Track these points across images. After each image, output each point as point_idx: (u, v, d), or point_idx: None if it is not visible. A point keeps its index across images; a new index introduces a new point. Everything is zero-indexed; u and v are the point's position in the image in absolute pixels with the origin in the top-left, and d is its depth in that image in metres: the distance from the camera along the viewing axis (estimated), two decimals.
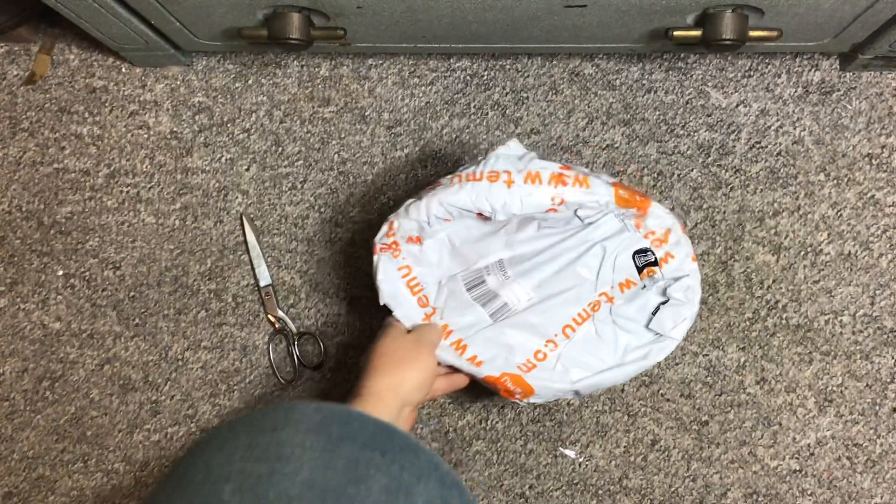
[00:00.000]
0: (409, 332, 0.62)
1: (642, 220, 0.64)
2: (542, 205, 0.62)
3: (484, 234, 0.67)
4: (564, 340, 0.64)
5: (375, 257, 0.64)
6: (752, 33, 0.62)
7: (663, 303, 0.64)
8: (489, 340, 0.63)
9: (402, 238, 0.64)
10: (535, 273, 0.65)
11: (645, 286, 0.65)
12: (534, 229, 0.66)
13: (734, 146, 0.76)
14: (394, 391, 0.57)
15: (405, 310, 0.64)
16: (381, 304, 0.63)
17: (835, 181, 0.75)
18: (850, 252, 0.74)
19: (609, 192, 0.62)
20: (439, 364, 0.63)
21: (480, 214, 0.63)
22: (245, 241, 0.78)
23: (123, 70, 0.82)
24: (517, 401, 0.63)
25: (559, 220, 0.65)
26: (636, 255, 0.65)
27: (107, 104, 0.81)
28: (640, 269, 0.65)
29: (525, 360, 0.63)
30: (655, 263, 0.64)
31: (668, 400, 0.74)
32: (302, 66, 0.80)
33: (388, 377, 0.57)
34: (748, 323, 0.74)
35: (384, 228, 0.65)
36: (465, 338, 0.63)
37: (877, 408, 0.72)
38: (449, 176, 0.63)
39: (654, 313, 0.64)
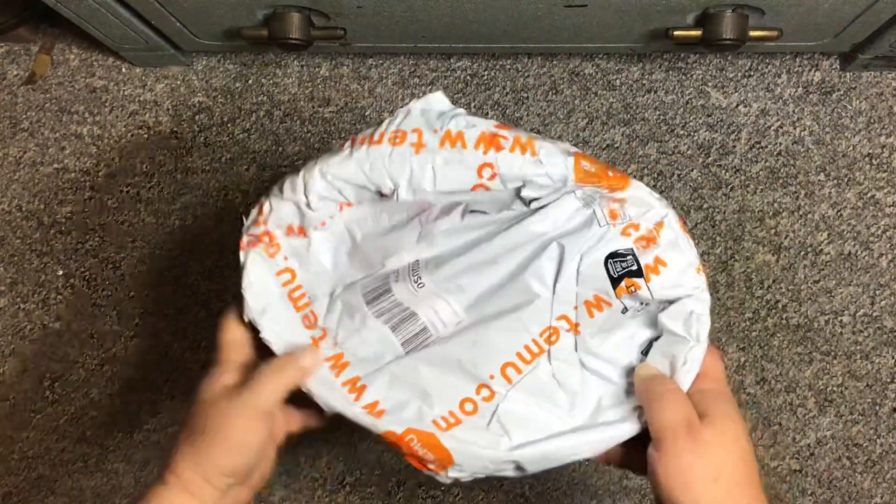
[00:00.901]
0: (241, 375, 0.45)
1: (619, 208, 0.45)
2: (465, 179, 0.44)
3: (394, 226, 0.48)
4: (505, 386, 0.44)
5: (242, 254, 0.47)
6: (753, 33, 0.62)
7: (655, 338, 0.44)
8: (397, 380, 0.45)
9: (280, 228, 0.47)
10: (466, 283, 0.46)
11: (626, 309, 0.45)
12: (458, 217, 0.47)
13: (734, 146, 0.76)
14: (202, 476, 0.43)
15: (281, 331, 0.45)
16: (246, 320, 0.46)
17: (835, 181, 0.75)
18: (850, 252, 0.74)
19: (567, 162, 0.44)
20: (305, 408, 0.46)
21: (383, 195, 0.46)
22: None
23: (123, 70, 0.82)
24: (432, 473, 0.43)
25: (493, 203, 0.46)
26: (610, 261, 0.45)
27: (107, 104, 0.81)
28: (615, 282, 0.44)
29: (446, 413, 0.43)
30: (640, 274, 0.44)
31: None
32: (302, 66, 0.80)
33: (195, 455, 0.43)
34: (748, 323, 0.74)
35: (252, 213, 0.47)
36: (364, 375, 0.45)
37: (877, 408, 0.72)
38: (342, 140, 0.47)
39: (644, 353, 0.44)
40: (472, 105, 0.78)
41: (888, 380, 0.72)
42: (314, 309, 0.47)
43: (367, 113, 0.79)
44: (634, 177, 0.75)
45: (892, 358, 0.73)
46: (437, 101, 0.46)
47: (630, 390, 0.43)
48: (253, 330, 0.46)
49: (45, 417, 0.78)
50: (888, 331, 0.73)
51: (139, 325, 0.78)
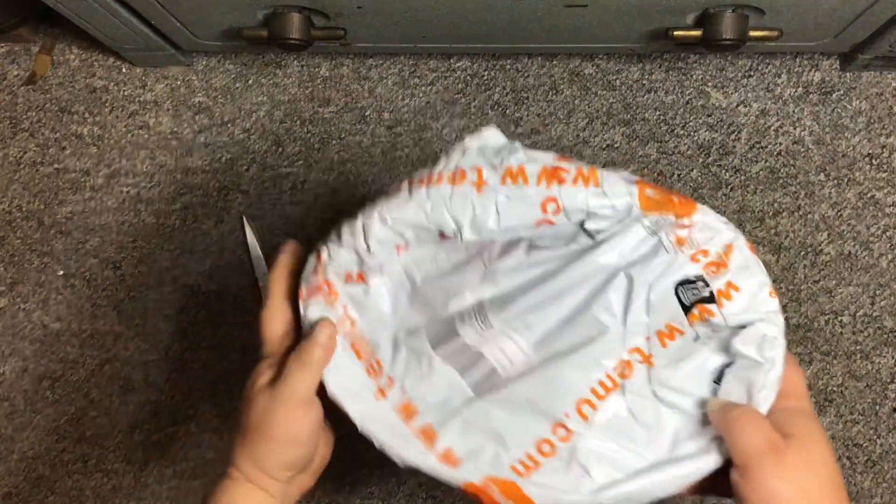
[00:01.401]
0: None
1: (686, 234, 0.43)
2: (529, 215, 0.43)
3: (455, 266, 0.47)
4: (582, 424, 0.42)
5: (302, 305, 0.46)
6: (753, 33, 0.62)
7: (727, 365, 0.42)
8: (470, 425, 0.44)
9: (338, 275, 0.46)
10: (532, 320, 0.45)
11: (698, 336, 0.43)
12: (523, 253, 0.46)
13: (734, 146, 0.76)
14: (262, 471, 0.44)
15: (347, 382, 0.45)
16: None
17: (835, 181, 0.75)
18: (850, 252, 0.74)
19: (630, 191, 0.43)
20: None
21: (444, 235, 0.45)
22: (245, 241, 0.78)
23: (123, 70, 0.82)
24: None
25: (559, 239, 0.46)
26: (681, 288, 0.44)
27: (107, 104, 0.81)
28: (687, 309, 0.43)
29: (523, 456, 0.42)
30: (712, 300, 0.43)
31: None
32: (302, 66, 0.80)
33: (250, 452, 0.44)
34: None
35: (310, 262, 0.46)
36: (435, 422, 0.44)
37: (877, 408, 0.72)
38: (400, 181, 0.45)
39: (716, 381, 0.42)
40: (473, 105, 0.78)
41: (888, 380, 0.72)
42: (378, 357, 0.46)
43: (367, 113, 0.79)
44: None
45: (892, 358, 0.73)
46: (492, 136, 0.45)
47: (705, 420, 0.42)
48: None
49: (45, 417, 0.78)
50: (888, 331, 0.73)
51: (139, 325, 0.78)
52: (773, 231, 0.74)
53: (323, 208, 0.78)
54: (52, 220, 0.80)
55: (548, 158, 0.43)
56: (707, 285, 0.43)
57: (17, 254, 0.80)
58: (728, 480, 0.40)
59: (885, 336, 0.73)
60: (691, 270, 0.43)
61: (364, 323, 0.46)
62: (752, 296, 0.42)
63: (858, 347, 0.73)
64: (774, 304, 0.43)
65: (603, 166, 0.78)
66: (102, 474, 0.77)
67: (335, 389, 0.44)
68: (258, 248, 0.77)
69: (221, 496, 0.44)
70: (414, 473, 0.43)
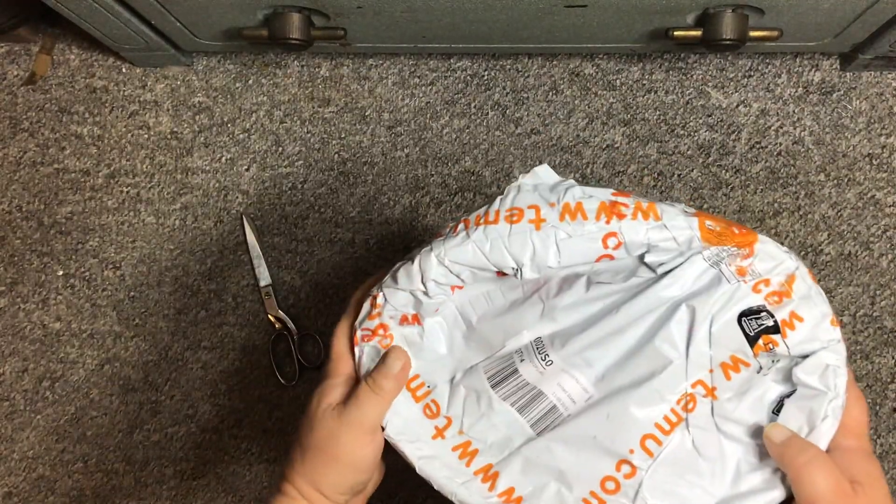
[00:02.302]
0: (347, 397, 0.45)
1: (747, 264, 0.43)
2: (590, 251, 0.43)
3: (511, 304, 0.47)
4: (647, 460, 0.41)
5: (357, 349, 0.46)
6: (753, 33, 0.62)
7: (788, 395, 0.42)
8: (531, 464, 0.43)
9: (393, 318, 0.46)
10: (593, 356, 0.44)
11: (761, 368, 0.42)
12: (582, 289, 0.46)
13: (734, 146, 0.76)
14: (319, 492, 0.44)
15: (404, 425, 0.45)
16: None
17: (835, 181, 0.75)
18: (850, 252, 0.74)
19: (691, 223, 0.43)
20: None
21: (502, 273, 0.45)
22: (245, 241, 0.78)
23: (123, 70, 0.82)
24: None
25: (618, 273, 0.45)
26: (744, 319, 0.43)
27: (107, 104, 0.81)
28: (752, 340, 0.42)
29: (587, 494, 0.42)
30: (776, 330, 0.42)
31: None
32: (302, 66, 0.80)
33: (309, 472, 0.44)
34: None
35: (366, 307, 0.47)
36: (496, 462, 0.44)
37: (877, 408, 0.72)
38: (454, 222, 0.46)
39: (776, 412, 0.42)
40: (473, 105, 0.78)
41: (888, 380, 0.72)
42: (435, 398, 0.46)
43: (367, 113, 0.79)
44: (634, 177, 0.75)
45: (892, 358, 0.73)
46: (545, 173, 0.45)
47: (765, 451, 0.41)
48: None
49: (45, 417, 0.78)
50: (888, 331, 0.73)
51: (139, 325, 0.78)
52: (773, 231, 0.74)
53: (323, 208, 0.78)
54: (52, 220, 0.80)
55: (605, 194, 0.43)
56: (771, 315, 0.42)
57: (17, 254, 0.80)
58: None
59: (885, 336, 0.73)
60: (753, 301, 0.42)
61: (419, 364, 0.46)
62: (815, 325, 0.42)
63: (858, 347, 0.73)
64: (836, 333, 0.42)
65: (603, 167, 0.78)
66: (102, 474, 0.77)
67: (392, 432, 0.44)
68: (258, 248, 0.77)
69: None
70: None
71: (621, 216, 0.42)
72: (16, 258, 0.80)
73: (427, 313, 0.46)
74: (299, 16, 0.64)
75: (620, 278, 0.45)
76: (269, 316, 0.76)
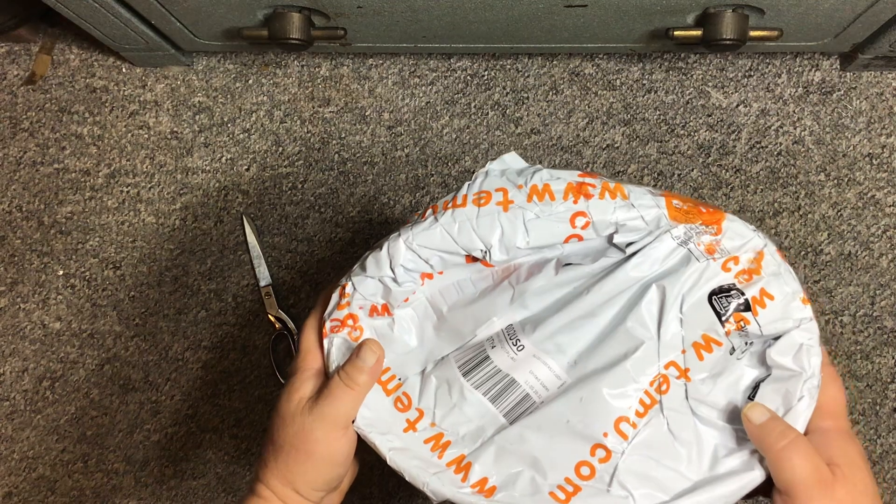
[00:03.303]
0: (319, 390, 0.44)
1: (716, 242, 0.43)
2: (558, 231, 0.43)
3: (482, 292, 0.46)
4: (621, 443, 0.41)
5: (326, 341, 0.45)
6: (753, 33, 0.62)
7: (763, 379, 0.42)
8: (504, 452, 0.42)
9: (363, 309, 0.46)
10: (564, 341, 0.43)
11: (734, 349, 0.42)
12: (552, 273, 0.45)
13: (734, 146, 0.76)
14: (294, 490, 0.43)
15: (374, 418, 0.44)
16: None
17: (835, 181, 0.75)
18: (850, 252, 0.74)
19: (658, 202, 0.43)
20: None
21: (472, 259, 0.45)
22: (245, 241, 0.78)
23: (124, 70, 0.82)
24: None
25: (587, 255, 0.45)
26: (714, 298, 0.42)
27: (107, 104, 0.81)
28: (723, 319, 0.42)
29: (561, 481, 0.41)
30: (747, 308, 0.42)
31: None
32: (302, 66, 0.80)
33: (283, 470, 0.43)
34: None
35: (335, 297, 0.46)
36: (468, 453, 0.43)
37: (877, 408, 0.72)
38: (422, 209, 0.44)
39: (751, 397, 0.41)
40: (473, 105, 0.78)
41: (888, 380, 0.72)
42: (406, 390, 0.45)
43: (367, 113, 0.79)
44: (634, 176, 0.76)
45: (892, 358, 0.73)
46: (513, 159, 0.46)
47: (742, 436, 0.41)
48: None
49: (45, 417, 0.78)
50: (888, 331, 0.73)
51: (139, 325, 0.78)
52: (773, 231, 0.74)
53: (323, 208, 0.78)
54: (52, 220, 0.80)
55: (572, 175, 0.44)
56: (742, 294, 0.42)
57: (17, 254, 0.80)
58: (765, 483, 0.40)
59: (886, 336, 0.73)
60: (724, 279, 0.42)
61: (390, 357, 0.46)
62: (785, 304, 0.41)
63: (858, 347, 0.73)
64: (808, 311, 0.42)
65: (603, 166, 0.78)
66: (102, 474, 0.77)
67: (362, 424, 0.44)
68: (258, 248, 0.77)
69: None
70: None
71: (588, 196, 0.43)
72: (16, 258, 0.80)
73: (396, 302, 0.46)
74: (299, 16, 0.64)
75: (590, 260, 0.44)
76: (269, 316, 0.76)
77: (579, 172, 0.44)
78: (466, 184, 0.44)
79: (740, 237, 0.43)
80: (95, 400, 0.78)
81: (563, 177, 0.44)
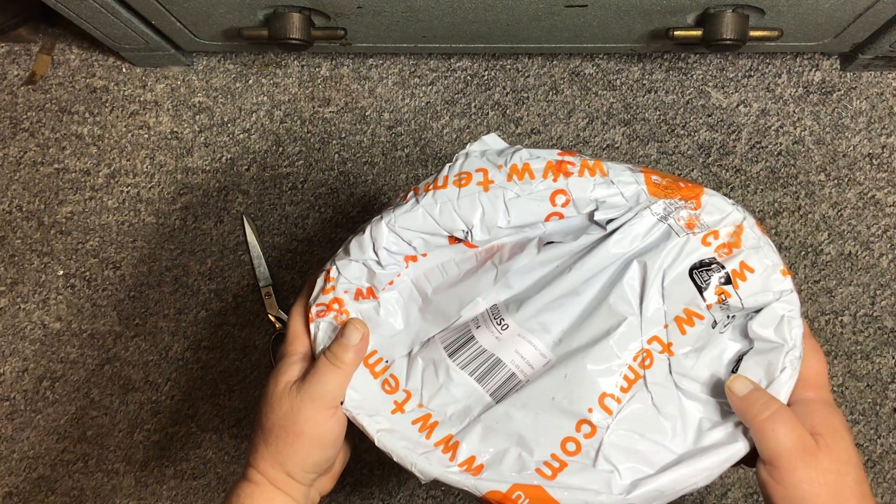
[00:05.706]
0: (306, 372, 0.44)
1: (695, 217, 0.44)
2: (539, 209, 0.44)
3: (466, 273, 0.47)
4: (606, 418, 0.41)
5: (313, 326, 0.45)
6: (753, 33, 0.62)
7: (745, 352, 0.42)
8: (491, 431, 0.43)
9: (348, 293, 0.46)
10: (549, 320, 0.44)
11: (716, 322, 0.43)
12: (534, 251, 0.45)
13: (734, 146, 0.76)
14: (286, 473, 0.43)
15: (362, 400, 0.44)
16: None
17: (835, 181, 0.75)
18: (850, 252, 0.74)
19: (637, 178, 0.44)
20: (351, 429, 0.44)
21: (454, 240, 0.45)
22: (245, 241, 0.78)
23: (124, 70, 0.82)
24: None
25: (569, 233, 0.45)
26: (696, 272, 0.43)
27: (107, 104, 0.81)
28: (704, 292, 0.43)
29: (548, 457, 0.41)
30: (727, 281, 0.42)
31: None
32: (302, 66, 0.80)
33: (274, 453, 0.43)
34: None
35: (319, 282, 0.46)
36: (456, 432, 0.43)
37: (877, 408, 0.72)
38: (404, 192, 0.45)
39: (734, 371, 0.42)
40: (473, 105, 0.78)
41: (888, 380, 0.72)
42: (393, 372, 0.45)
43: (367, 113, 0.79)
44: None
45: (893, 358, 0.73)
46: (493, 140, 0.46)
47: (726, 409, 0.41)
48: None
49: (45, 417, 0.78)
50: (888, 331, 0.73)
51: (139, 325, 0.78)
52: (773, 231, 0.74)
53: (323, 208, 0.78)
54: (52, 220, 0.80)
55: (552, 154, 0.44)
56: (722, 267, 0.42)
57: (17, 254, 0.80)
58: (750, 455, 0.40)
59: (886, 336, 0.73)
60: (704, 253, 0.43)
61: (376, 340, 0.46)
62: (766, 276, 0.42)
63: (859, 347, 0.73)
64: (788, 283, 0.42)
65: None
66: (102, 474, 0.77)
67: (350, 406, 0.44)
68: (258, 248, 0.77)
69: (243, 500, 0.43)
70: (436, 486, 0.43)
71: (568, 174, 0.43)
72: (16, 258, 0.80)
73: (381, 285, 0.46)
74: (299, 16, 0.64)
75: (571, 238, 0.45)
76: (269, 316, 0.77)
77: (559, 151, 0.44)
78: (447, 165, 0.45)
79: (719, 211, 0.43)
80: (95, 400, 0.78)
81: (542, 156, 0.44)
